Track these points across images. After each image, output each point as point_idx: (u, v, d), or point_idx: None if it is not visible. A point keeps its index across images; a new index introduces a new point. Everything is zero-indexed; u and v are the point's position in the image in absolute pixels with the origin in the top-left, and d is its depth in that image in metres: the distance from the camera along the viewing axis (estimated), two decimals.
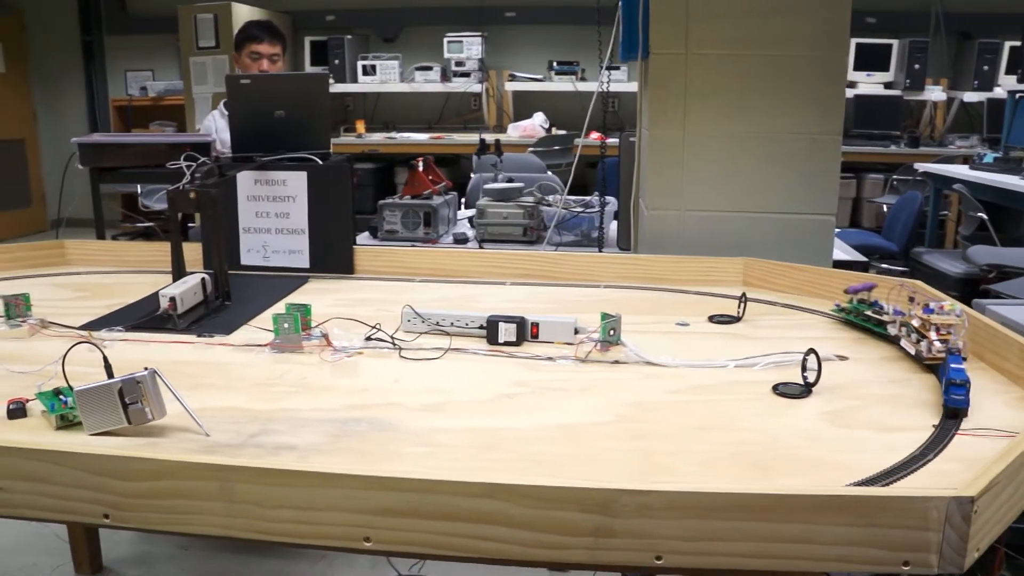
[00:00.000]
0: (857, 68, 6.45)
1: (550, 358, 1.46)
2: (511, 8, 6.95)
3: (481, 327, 1.58)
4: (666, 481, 0.90)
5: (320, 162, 2.17)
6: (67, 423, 1.17)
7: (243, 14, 6.30)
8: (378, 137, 7.05)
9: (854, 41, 6.34)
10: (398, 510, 0.87)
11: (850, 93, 6.30)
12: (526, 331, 1.56)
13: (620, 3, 2.20)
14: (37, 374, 1.32)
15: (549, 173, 4.49)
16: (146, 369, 1.15)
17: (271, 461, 0.92)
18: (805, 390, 1.24)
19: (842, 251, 2.79)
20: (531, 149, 5.78)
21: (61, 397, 1.18)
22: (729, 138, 2.00)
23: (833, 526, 0.80)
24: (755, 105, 1.97)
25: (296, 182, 2.16)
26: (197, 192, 1.81)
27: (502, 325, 1.55)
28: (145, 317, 1.69)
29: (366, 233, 3.48)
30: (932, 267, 4.30)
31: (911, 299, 1.43)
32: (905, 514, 0.81)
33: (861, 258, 2.71)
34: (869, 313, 1.54)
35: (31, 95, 7.96)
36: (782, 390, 1.25)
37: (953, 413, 1.13)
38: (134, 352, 1.53)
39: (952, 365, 1.18)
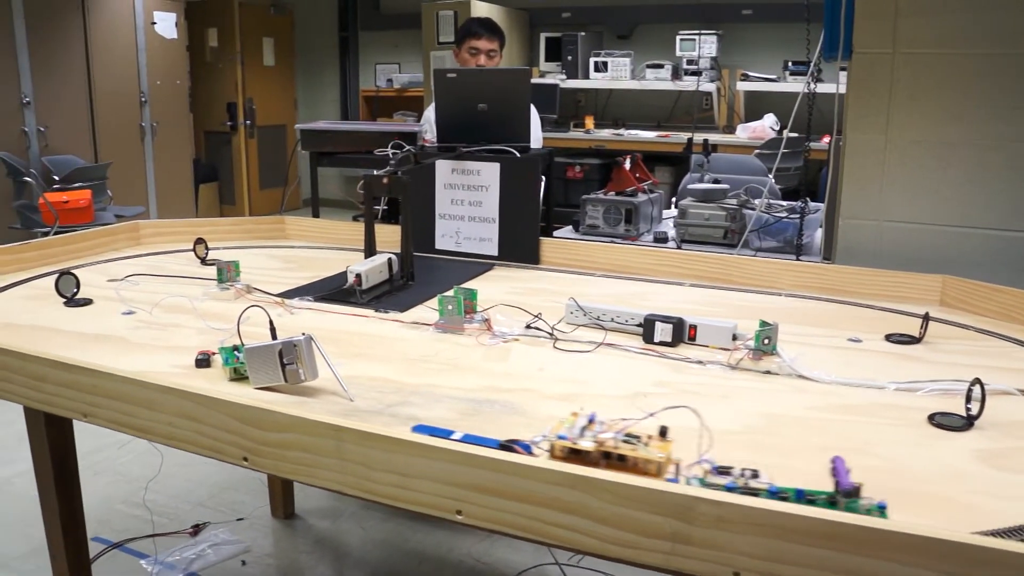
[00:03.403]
0: None
1: (700, 362, 1.43)
2: (748, 5, 6.73)
3: (639, 325, 1.57)
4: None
5: (517, 154, 2.24)
6: (238, 376, 1.31)
7: (482, 11, 6.57)
8: (606, 133, 7.09)
9: None
10: (488, 488, 0.90)
11: None
12: (683, 332, 1.54)
13: None
14: (229, 331, 1.48)
15: (770, 177, 4.33)
16: (303, 335, 1.26)
17: (379, 427, 0.98)
18: (966, 423, 1.13)
19: None
20: (757, 151, 5.58)
21: (236, 353, 1.32)
22: (938, 145, 1.84)
23: (927, 571, 0.73)
24: (970, 109, 1.80)
25: (489, 173, 2.24)
26: (389, 178, 1.94)
27: (658, 324, 1.54)
28: (333, 290, 1.84)
29: (569, 227, 3.53)
30: None
31: None
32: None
33: None
34: None
35: (294, 86, 8.80)
36: (939, 420, 1.14)
37: None
38: (316, 320, 1.67)
39: None
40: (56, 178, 5.28)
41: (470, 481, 0.91)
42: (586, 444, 0.94)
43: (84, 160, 5.82)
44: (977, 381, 1.13)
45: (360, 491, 0.99)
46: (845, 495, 0.85)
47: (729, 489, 0.86)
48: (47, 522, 1.82)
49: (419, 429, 1.05)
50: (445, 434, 1.03)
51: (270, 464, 1.06)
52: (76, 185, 5.20)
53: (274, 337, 1.31)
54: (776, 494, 0.85)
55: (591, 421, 1.00)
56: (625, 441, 0.94)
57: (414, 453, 0.94)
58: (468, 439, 1.01)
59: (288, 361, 1.25)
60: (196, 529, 2.49)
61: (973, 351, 1.49)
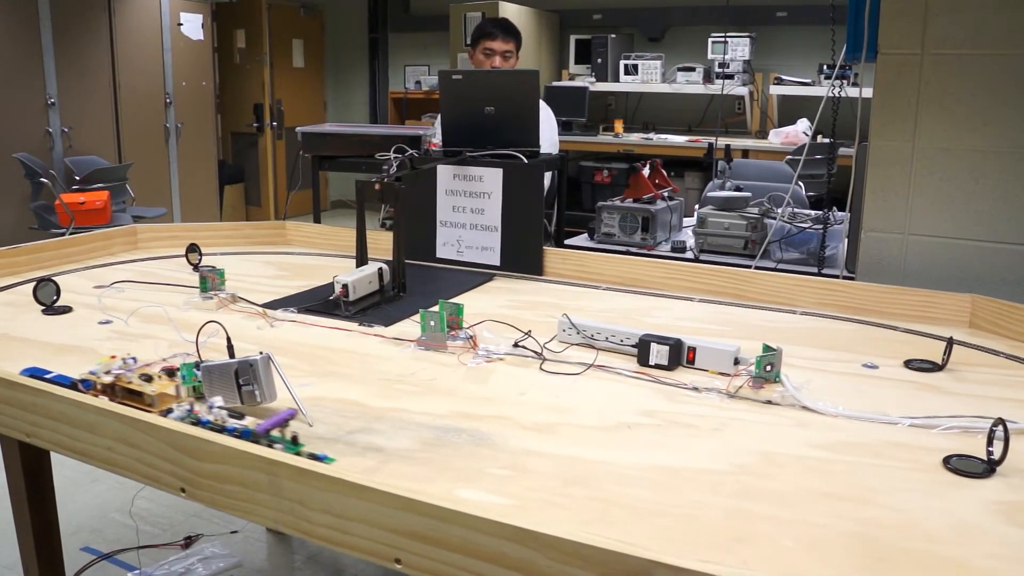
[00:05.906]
0: None
1: (695, 388, 1.31)
2: (781, 8, 6.55)
3: (634, 345, 1.46)
4: (738, 561, 0.75)
5: (525, 159, 2.14)
6: (198, 395, 1.22)
7: (510, 12, 6.48)
8: (635, 137, 6.95)
9: None
10: (426, 536, 0.80)
11: None
12: (681, 355, 1.42)
13: None
14: (200, 345, 1.39)
15: (797, 185, 4.18)
16: (261, 353, 1.17)
17: (313, 463, 0.88)
18: (987, 469, 1.00)
19: None
20: (788, 157, 5.42)
21: (196, 371, 1.23)
22: (969, 153, 1.70)
23: None
24: (1006, 115, 1.65)
25: (492, 179, 2.14)
26: (381, 183, 1.85)
27: (654, 346, 1.42)
28: (319, 301, 1.75)
29: (584, 235, 3.42)
30: None
31: None
32: None
33: None
34: None
35: (324, 88, 8.77)
36: (955, 464, 1.02)
37: None
38: (296, 333, 1.58)
39: None
40: (77, 178, 5.28)
41: (408, 528, 0.81)
42: (107, 379, 1.17)
43: (107, 161, 5.82)
44: (1000, 421, 1.01)
45: (297, 531, 0.89)
46: (256, 436, 1.03)
47: (203, 424, 1.05)
48: (20, 538, 1.76)
49: (27, 372, 1.24)
50: (42, 373, 1.23)
51: (207, 497, 0.97)
52: (95, 186, 5.19)
53: (231, 355, 1.22)
54: (234, 432, 1.03)
55: (125, 361, 1.23)
56: (138, 379, 1.17)
57: (349, 493, 0.84)
58: (57, 379, 1.21)
59: (244, 382, 1.16)
60: (188, 541, 2.42)
61: (1001, 381, 1.36)
